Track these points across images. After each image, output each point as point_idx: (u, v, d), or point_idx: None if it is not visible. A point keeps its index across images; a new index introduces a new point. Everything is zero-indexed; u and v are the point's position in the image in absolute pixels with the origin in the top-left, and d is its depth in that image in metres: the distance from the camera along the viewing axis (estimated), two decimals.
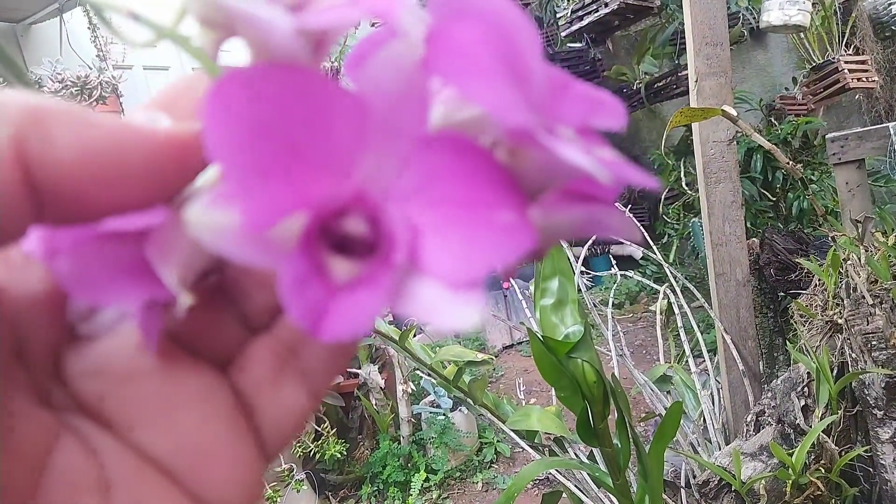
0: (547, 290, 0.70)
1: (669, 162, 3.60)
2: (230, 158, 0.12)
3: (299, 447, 2.10)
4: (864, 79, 3.16)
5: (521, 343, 3.73)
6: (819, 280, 1.18)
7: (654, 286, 1.78)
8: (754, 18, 3.29)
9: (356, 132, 0.13)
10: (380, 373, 2.42)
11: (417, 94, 0.14)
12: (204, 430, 0.16)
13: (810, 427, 1.05)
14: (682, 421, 1.43)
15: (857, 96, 3.83)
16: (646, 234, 1.73)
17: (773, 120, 3.51)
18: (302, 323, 0.13)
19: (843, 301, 1.06)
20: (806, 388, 1.12)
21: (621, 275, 1.82)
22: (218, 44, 0.15)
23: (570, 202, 0.16)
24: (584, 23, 2.74)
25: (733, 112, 0.89)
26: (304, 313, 0.13)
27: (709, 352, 1.58)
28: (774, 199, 3.09)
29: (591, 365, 0.65)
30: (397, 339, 1.21)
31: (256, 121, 0.12)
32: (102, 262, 0.14)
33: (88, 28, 2.12)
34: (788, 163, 0.97)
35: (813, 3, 2.95)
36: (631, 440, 0.72)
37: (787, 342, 1.36)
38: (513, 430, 1.20)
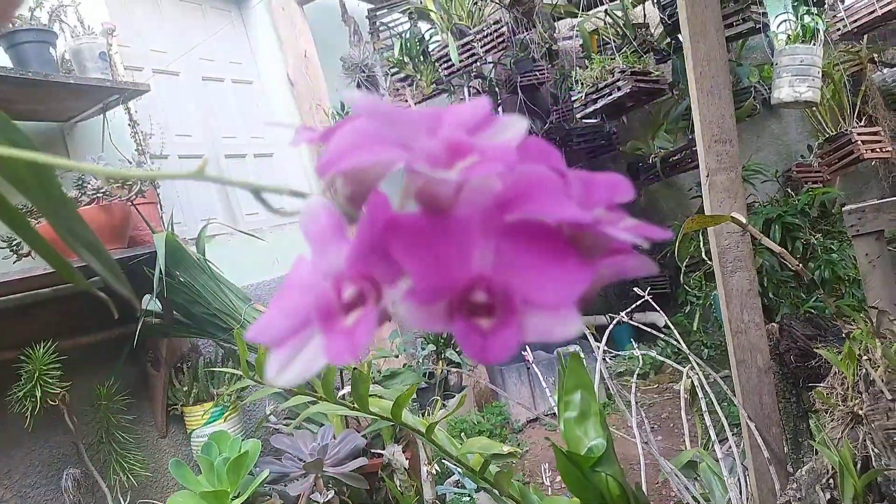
0: (570, 402, 0.73)
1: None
2: (410, 269, 0.20)
3: None
4: (878, 149, 3.20)
5: (546, 415, 3.69)
6: (838, 369, 1.19)
7: (676, 366, 1.79)
8: (766, 91, 3.37)
9: (467, 241, 0.21)
10: (403, 452, 2.41)
11: (496, 208, 0.21)
12: None
13: None
14: None
15: (873, 163, 3.86)
16: (662, 312, 1.76)
17: (789, 190, 3.55)
18: (473, 357, 0.20)
19: (861, 394, 1.07)
20: (831, 480, 1.12)
21: (642, 354, 1.84)
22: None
23: (606, 258, 0.23)
24: (599, 105, 2.84)
25: (742, 219, 0.93)
26: (473, 352, 0.20)
27: (734, 426, 1.57)
28: (795, 270, 3.10)
29: (615, 479, 0.68)
30: (423, 430, 1.24)
31: (421, 245, 0.20)
32: None
33: (129, 124, 2.25)
34: (798, 265, 1.00)
35: (822, 77, 3.03)
36: None
37: (812, 428, 1.36)
38: None
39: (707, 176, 1.30)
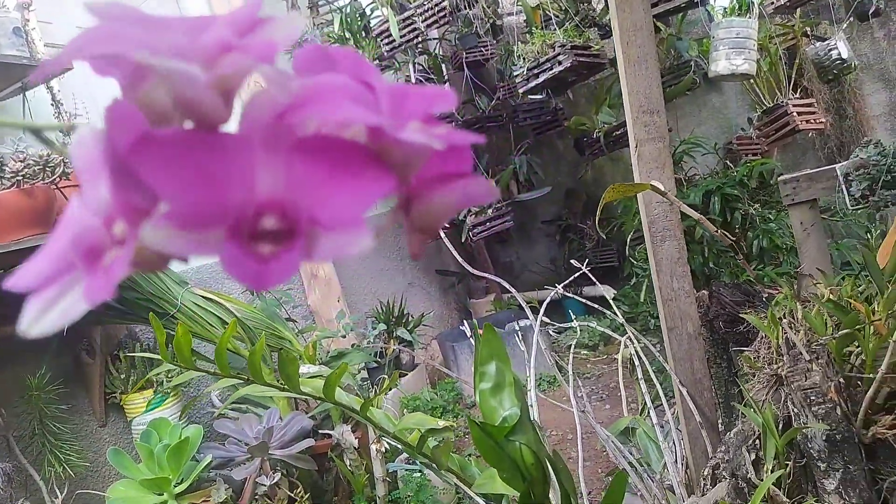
0: (485, 374, 0.73)
1: (633, 205, 3.69)
2: (166, 192, 0.18)
3: None
4: (813, 120, 3.29)
5: None
6: (764, 333, 1.22)
7: (616, 336, 1.82)
8: (706, 64, 3.42)
9: (247, 159, 0.19)
10: (353, 432, 2.41)
11: (280, 120, 0.19)
12: None
13: (762, 481, 1.07)
14: (646, 474, 1.45)
15: (810, 134, 3.97)
16: (610, 285, 1.78)
17: (728, 162, 3.62)
18: (245, 284, 0.19)
19: (783, 356, 1.10)
20: (757, 441, 1.15)
21: (581, 326, 1.86)
22: None
23: (442, 183, 0.22)
24: (540, 80, 2.83)
25: (662, 187, 0.94)
26: (244, 278, 0.19)
27: (670, 396, 1.60)
28: (734, 238, 3.17)
29: (529, 447, 0.68)
30: (359, 408, 1.23)
31: (181, 165, 0.18)
32: None
33: (52, 104, 2.16)
34: (717, 231, 1.02)
35: (759, 50, 3.08)
36: None
37: (742, 392, 1.40)
38: (480, 494, 1.21)
39: (636, 147, 1.31)
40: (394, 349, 3.30)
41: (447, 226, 3.86)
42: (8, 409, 1.86)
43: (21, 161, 1.79)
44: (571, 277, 1.69)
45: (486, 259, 4.54)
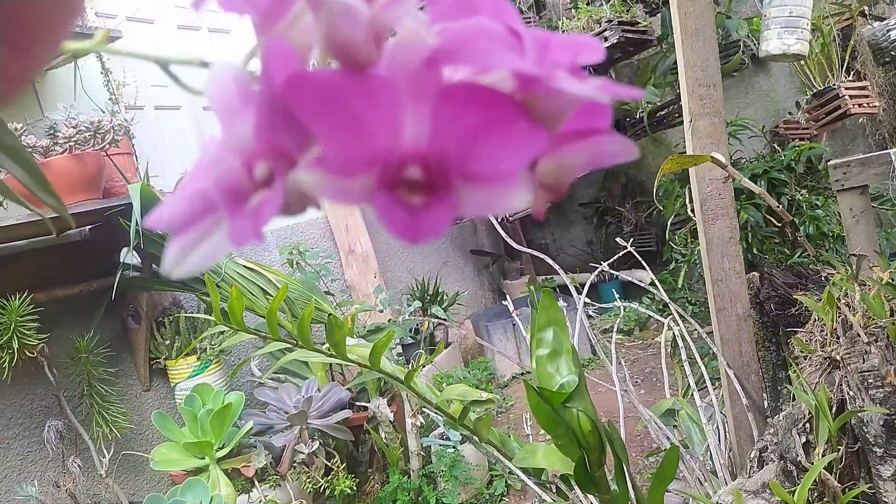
0: (542, 340, 0.72)
1: (674, 188, 3.62)
2: (319, 133, 0.18)
3: (309, 482, 2.11)
4: (865, 104, 3.18)
5: (531, 372, 3.71)
6: (818, 316, 1.19)
7: (659, 318, 1.79)
8: (755, 45, 3.33)
9: (395, 105, 0.18)
10: (389, 405, 2.43)
11: (428, 66, 0.18)
12: None
13: (812, 464, 1.05)
14: (688, 455, 1.43)
15: (860, 120, 3.84)
16: (647, 265, 1.76)
17: (776, 146, 3.53)
18: (398, 236, 0.18)
19: (839, 338, 1.07)
20: (807, 425, 1.13)
21: (625, 306, 1.84)
22: None
23: (578, 139, 0.21)
24: None
25: (723, 159, 0.91)
26: (396, 229, 0.18)
27: (714, 380, 1.58)
28: (780, 224, 3.10)
29: (586, 414, 0.67)
30: (403, 378, 1.23)
31: (333, 106, 0.17)
32: None
33: (101, 72, 2.19)
34: (779, 207, 0.99)
35: (812, 31, 2.98)
36: (629, 486, 0.74)
37: (791, 375, 1.37)
38: (519, 468, 1.21)
39: (690, 121, 1.28)
40: (429, 325, 3.31)
41: None
42: (60, 369, 1.91)
43: (73, 127, 1.83)
44: (615, 257, 1.67)
45: (521, 240, 4.52)
